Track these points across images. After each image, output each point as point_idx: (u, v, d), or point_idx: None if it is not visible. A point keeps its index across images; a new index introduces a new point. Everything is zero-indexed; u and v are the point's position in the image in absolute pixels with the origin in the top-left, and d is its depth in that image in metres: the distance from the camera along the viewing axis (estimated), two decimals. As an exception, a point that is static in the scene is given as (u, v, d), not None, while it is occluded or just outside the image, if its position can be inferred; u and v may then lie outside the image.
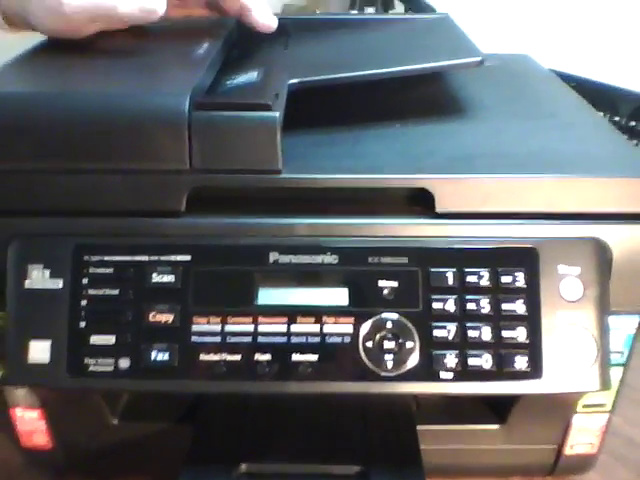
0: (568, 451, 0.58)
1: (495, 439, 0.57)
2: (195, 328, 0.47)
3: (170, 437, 0.56)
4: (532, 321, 0.48)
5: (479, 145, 0.53)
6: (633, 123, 0.87)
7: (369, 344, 0.47)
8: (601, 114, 0.94)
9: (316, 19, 0.78)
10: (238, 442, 0.54)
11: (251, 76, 0.60)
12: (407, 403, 0.57)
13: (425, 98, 0.63)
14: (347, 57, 0.63)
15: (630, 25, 0.92)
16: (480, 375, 0.47)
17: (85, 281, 0.48)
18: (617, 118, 0.89)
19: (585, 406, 0.56)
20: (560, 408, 0.56)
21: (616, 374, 0.53)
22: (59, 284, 0.48)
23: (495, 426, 0.57)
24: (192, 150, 0.47)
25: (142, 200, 0.49)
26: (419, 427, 0.56)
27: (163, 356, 0.47)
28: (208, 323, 0.47)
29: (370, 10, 1.45)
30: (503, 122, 0.58)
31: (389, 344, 0.47)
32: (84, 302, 0.48)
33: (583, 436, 0.58)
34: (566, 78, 0.92)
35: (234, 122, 0.48)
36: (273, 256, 0.48)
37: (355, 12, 1.42)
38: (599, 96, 0.94)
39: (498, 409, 0.57)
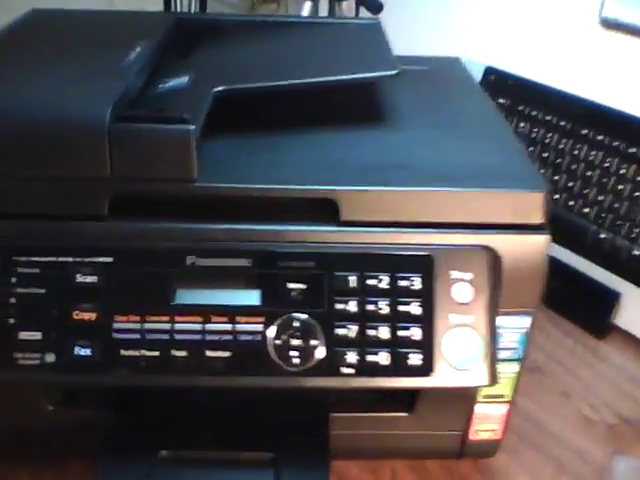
0: (473, 436, 0.62)
1: (404, 425, 0.61)
2: (116, 326, 0.49)
3: (106, 425, 0.57)
4: (426, 322, 0.51)
5: (388, 156, 0.56)
6: (563, 123, 0.91)
7: (278, 342, 0.50)
8: (534, 112, 0.98)
9: (253, 20, 0.80)
10: (159, 431, 0.56)
11: (182, 80, 0.63)
12: (324, 393, 0.59)
13: (348, 105, 0.66)
14: (275, 63, 0.65)
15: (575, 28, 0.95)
16: (378, 370, 0.51)
17: (14, 280, 0.50)
18: (548, 117, 0.93)
19: (485, 396, 0.60)
20: (461, 399, 0.59)
21: (513, 368, 0.58)
22: None
23: (404, 414, 0.60)
24: (113, 158, 0.49)
25: (67, 205, 0.51)
26: (333, 415, 0.58)
27: (86, 351, 0.49)
28: (128, 321, 0.50)
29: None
30: (417, 132, 0.61)
31: (296, 342, 0.50)
32: (13, 300, 0.50)
33: (485, 424, 0.62)
34: (503, 76, 0.96)
35: (151, 134, 0.50)
36: (190, 259, 0.50)
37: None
38: (534, 95, 0.97)
39: (406, 398, 0.60)
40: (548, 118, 0.95)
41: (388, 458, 0.64)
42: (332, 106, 0.65)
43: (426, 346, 0.51)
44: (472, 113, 0.68)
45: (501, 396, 0.60)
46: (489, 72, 1.01)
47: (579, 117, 0.90)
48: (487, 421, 0.62)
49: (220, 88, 0.58)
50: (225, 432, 0.56)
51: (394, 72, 0.60)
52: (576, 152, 0.91)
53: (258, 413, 0.58)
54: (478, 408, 0.61)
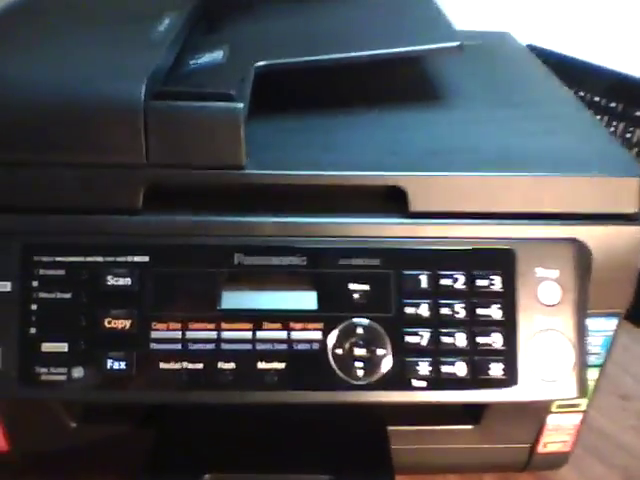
0: (541, 449, 0.58)
1: (468, 439, 0.56)
2: (154, 335, 0.45)
3: (132, 441, 0.54)
4: (508, 327, 0.46)
5: (456, 138, 0.51)
6: (613, 104, 0.85)
7: (339, 351, 0.46)
8: (581, 93, 0.92)
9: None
10: (202, 450, 0.51)
11: (216, 56, 0.57)
12: (380, 405, 0.54)
13: (401, 82, 0.61)
14: (319, 36, 0.59)
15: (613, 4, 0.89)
16: (454, 383, 0.46)
17: (35, 283, 0.45)
18: (597, 98, 0.86)
19: (559, 406, 0.55)
20: (534, 409, 0.55)
21: (592, 375, 0.53)
22: (7, 287, 0.45)
23: (469, 426, 0.56)
24: (149, 143, 0.45)
25: (95, 196, 0.46)
26: (391, 428, 0.54)
27: (119, 365, 0.45)
28: (168, 329, 0.45)
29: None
30: (482, 111, 0.56)
31: (359, 351, 0.46)
32: (34, 306, 0.45)
33: (557, 435, 0.57)
34: (547, 55, 0.89)
35: (194, 113, 0.45)
36: (237, 257, 0.46)
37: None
38: (580, 74, 0.91)
39: (472, 410, 0.55)
40: (596, 99, 0.88)
41: (445, 473, 0.60)
42: (382, 83, 0.60)
43: (508, 354, 0.46)
44: (539, 90, 0.63)
45: (576, 405, 0.55)
46: (530, 50, 0.94)
47: (632, 98, 0.84)
48: (559, 432, 0.57)
49: (262, 63, 0.52)
50: (275, 452, 0.51)
51: (456, 44, 0.54)
52: (629, 135, 0.84)
53: (309, 429, 0.54)
54: (551, 419, 0.56)
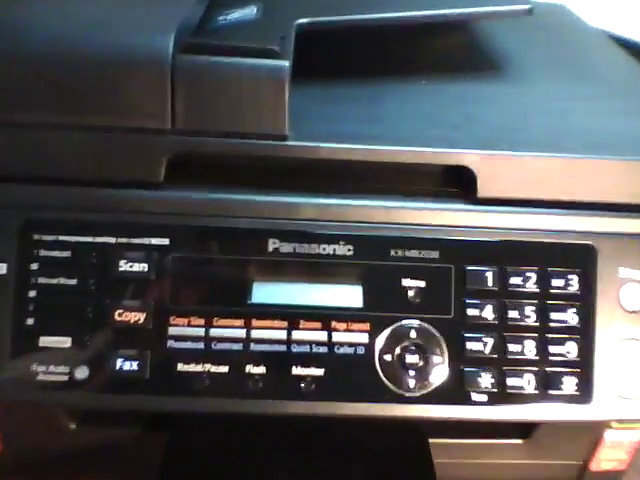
0: (594, 467, 0.53)
1: (516, 454, 0.52)
2: (172, 331, 0.41)
3: (139, 445, 0.50)
4: (585, 334, 0.43)
5: (527, 114, 0.47)
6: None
7: (387, 357, 0.42)
8: None
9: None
10: (221, 462, 0.47)
11: (249, 12, 0.50)
12: None
13: (455, 50, 0.56)
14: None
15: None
16: (520, 398, 0.42)
17: (35, 266, 0.41)
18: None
19: (621, 421, 0.49)
20: (592, 423, 0.49)
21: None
22: (2, 269, 0.41)
23: (518, 441, 0.51)
24: (175, 104, 0.40)
25: (109, 166, 0.42)
26: (432, 441, 0.49)
27: (131, 365, 0.41)
28: (189, 325, 0.41)
29: None
30: (551, 85, 0.52)
31: (412, 358, 0.42)
32: (33, 293, 0.41)
33: (613, 452, 0.52)
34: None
35: (230, 71, 0.40)
36: (273, 243, 0.42)
37: None
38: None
39: (522, 423, 0.50)
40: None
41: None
42: (435, 51, 0.55)
43: (584, 367, 0.43)
44: (608, 65, 0.58)
45: (638, 421, 0.49)
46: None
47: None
48: (616, 449, 0.52)
49: (304, 20, 0.47)
50: (304, 465, 0.47)
51: (527, 7, 0.49)
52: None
53: (339, 440, 0.49)
54: (609, 435, 0.51)
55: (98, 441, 0.50)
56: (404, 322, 0.42)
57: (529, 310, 0.42)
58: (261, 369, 0.41)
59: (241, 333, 0.41)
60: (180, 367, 0.41)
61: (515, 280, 0.42)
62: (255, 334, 0.41)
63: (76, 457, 0.51)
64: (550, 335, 0.42)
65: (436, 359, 0.42)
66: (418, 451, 0.49)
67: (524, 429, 0.51)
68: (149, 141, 0.41)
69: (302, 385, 0.41)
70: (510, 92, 0.50)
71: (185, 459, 0.47)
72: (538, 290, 0.42)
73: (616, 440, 0.52)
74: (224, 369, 0.41)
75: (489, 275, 0.42)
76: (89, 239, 0.41)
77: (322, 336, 0.42)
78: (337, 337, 0.42)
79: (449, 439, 0.51)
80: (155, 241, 0.42)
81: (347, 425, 0.48)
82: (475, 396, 0.42)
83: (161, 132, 0.41)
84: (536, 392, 0.42)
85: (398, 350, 0.42)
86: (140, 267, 0.41)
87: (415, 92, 0.49)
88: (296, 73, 0.44)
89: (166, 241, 0.42)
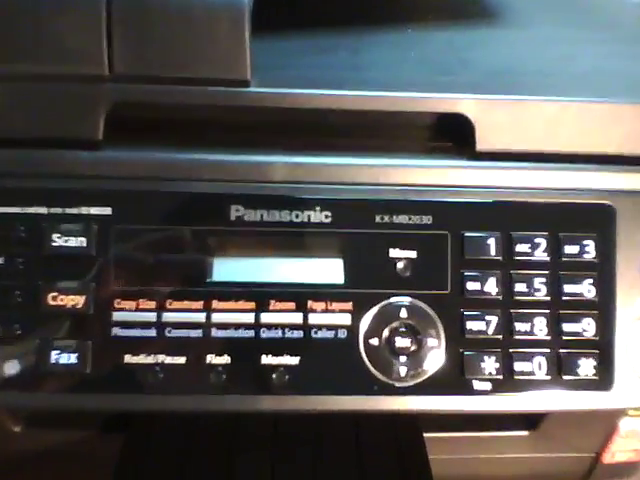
0: (608, 459, 0.51)
1: (522, 447, 0.50)
2: (118, 316, 0.38)
3: (92, 447, 0.48)
4: (604, 310, 0.40)
5: (528, 58, 0.45)
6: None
7: (374, 341, 0.39)
8: None
9: None
10: (183, 466, 0.45)
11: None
12: None
13: None
14: None
15: None
16: (530, 385, 0.39)
17: None
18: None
19: (636, 408, 0.48)
20: (605, 411, 0.47)
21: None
22: None
23: (523, 433, 0.49)
24: (112, 45, 0.37)
25: (39, 122, 0.38)
26: (427, 435, 0.48)
27: (69, 358, 0.38)
28: (137, 309, 0.38)
29: None
30: (552, 30, 0.51)
31: (402, 341, 0.39)
32: None
33: (629, 442, 0.51)
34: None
35: (178, 4, 0.37)
36: (235, 211, 0.39)
37: None
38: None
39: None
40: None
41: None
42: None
43: (604, 347, 0.40)
44: (613, 10, 0.56)
45: (657, 406, 0.50)
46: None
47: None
48: (632, 439, 0.50)
49: None
50: (281, 467, 0.45)
51: None
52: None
53: (324, 434, 0.47)
54: (624, 423, 0.49)
55: (47, 445, 0.48)
56: (393, 300, 0.39)
57: (539, 282, 0.39)
58: (224, 359, 0.38)
59: (200, 317, 0.38)
60: (128, 359, 0.38)
61: (522, 247, 0.40)
62: (217, 318, 0.38)
63: (23, 463, 0.49)
64: (563, 311, 0.40)
65: (431, 342, 0.39)
66: (411, 446, 0.47)
67: (530, 419, 0.49)
68: (84, 90, 0.38)
69: (273, 377, 0.38)
70: (508, 37, 0.49)
71: (141, 462, 0.45)
72: (549, 259, 0.39)
73: (632, 429, 0.50)
74: (180, 360, 0.38)
75: (491, 242, 0.39)
76: (17, 210, 0.38)
77: (296, 318, 0.39)
78: (314, 319, 0.39)
79: (445, 432, 0.49)
80: (95, 210, 0.38)
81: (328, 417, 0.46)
82: (477, 384, 0.39)
83: (97, 79, 0.38)
84: (548, 378, 0.39)
85: (386, 332, 0.39)
86: (77, 242, 0.38)
87: (401, 40, 0.47)
88: (263, 23, 0.41)
89: (108, 210, 0.39)
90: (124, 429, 0.48)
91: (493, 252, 0.39)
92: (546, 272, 0.39)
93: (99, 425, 0.48)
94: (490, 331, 0.39)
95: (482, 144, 0.40)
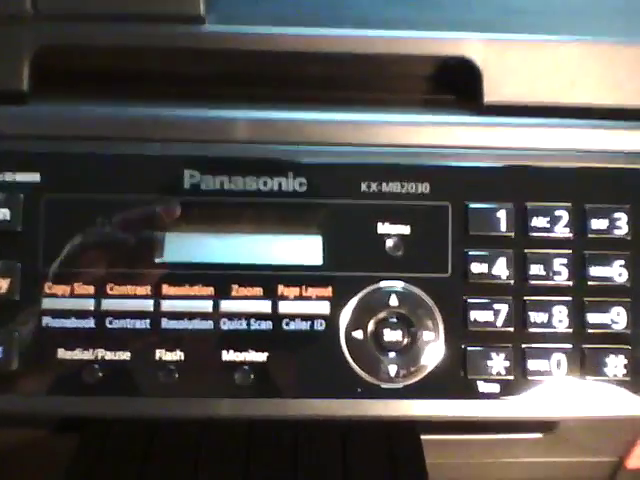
0: (633, 464, 0.49)
1: (536, 451, 0.47)
2: (49, 303, 0.35)
3: (47, 448, 0.46)
4: (638, 297, 0.36)
5: None
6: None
7: (358, 334, 0.35)
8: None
9: None
10: (142, 472, 0.41)
11: None
12: None
13: None
14: None
15: None
16: (547, 387, 0.36)
17: None
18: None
19: None
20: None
21: None
22: None
23: (538, 435, 0.46)
24: None
25: None
26: (430, 437, 0.44)
27: None
28: (72, 295, 0.35)
29: None
30: None
31: (392, 335, 0.35)
32: None
33: None
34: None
35: None
36: (190, 177, 0.36)
37: None
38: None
39: None
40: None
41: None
42: None
43: (637, 342, 0.36)
44: None
45: (687, 407, 0.46)
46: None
47: None
48: None
49: None
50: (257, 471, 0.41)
51: None
52: None
53: (311, 439, 0.43)
54: None
55: (4, 446, 0.45)
56: (381, 284, 0.36)
57: (559, 264, 0.36)
58: (177, 355, 0.35)
59: (147, 305, 0.35)
60: (61, 354, 0.35)
61: (538, 222, 0.36)
62: (168, 306, 0.35)
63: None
64: (589, 298, 0.36)
65: (427, 335, 0.36)
66: (407, 450, 0.44)
67: (546, 421, 0.46)
68: (3, 32, 0.35)
69: (236, 376, 0.35)
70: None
71: (94, 464, 0.43)
72: (571, 235, 0.36)
73: (659, 431, 0.49)
74: (124, 356, 0.35)
75: (501, 215, 0.35)
76: None
77: (264, 307, 0.35)
78: (286, 308, 0.35)
79: (449, 435, 0.46)
80: (20, 177, 0.35)
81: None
82: (482, 386, 0.35)
83: (20, 19, 0.35)
84: (568, 378, 0.36)
85: (372, 324, 0.36)
86: (0, 214, 0.35)
87: None
88: None
89: (36, 177, 0.35)
90: (80, 429, 0.46)
91: (503, 227, 0.36)
92: (568, 251, 0.36)
93: (52, 425, 0.45)
94: (499, 323, 0.36)
95: (490, 95, 0.36)
